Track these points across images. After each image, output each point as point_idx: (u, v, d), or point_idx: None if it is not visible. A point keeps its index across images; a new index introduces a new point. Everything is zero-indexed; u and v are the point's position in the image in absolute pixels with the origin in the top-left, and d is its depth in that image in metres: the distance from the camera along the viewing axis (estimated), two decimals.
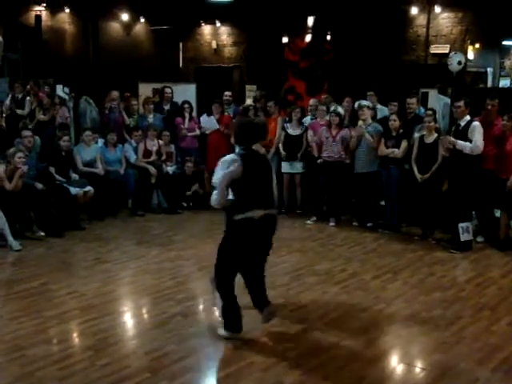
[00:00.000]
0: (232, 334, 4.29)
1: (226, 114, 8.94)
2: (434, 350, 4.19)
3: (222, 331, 4.33)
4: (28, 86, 9.85)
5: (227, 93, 9.27)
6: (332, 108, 8.04)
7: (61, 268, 5.94)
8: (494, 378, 3.83)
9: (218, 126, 8.72)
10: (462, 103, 6.59)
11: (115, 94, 9.07)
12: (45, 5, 13.53)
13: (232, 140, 4.65)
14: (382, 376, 3.86)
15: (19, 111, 9.24)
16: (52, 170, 7.56)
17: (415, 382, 3.84)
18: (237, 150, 4.49)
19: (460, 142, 6.51)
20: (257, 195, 4.17)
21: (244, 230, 4.14)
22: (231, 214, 4.18)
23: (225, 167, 4.11)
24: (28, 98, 9.37)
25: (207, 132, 8.86)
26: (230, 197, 4.22)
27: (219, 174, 4.13)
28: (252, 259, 4.35)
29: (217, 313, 4.55)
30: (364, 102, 7.95)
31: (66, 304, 4.95)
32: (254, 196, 4.15)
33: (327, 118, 7.97)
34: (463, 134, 6.57)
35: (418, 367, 4.00)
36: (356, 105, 8.09)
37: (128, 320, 4.86)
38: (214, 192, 4.19)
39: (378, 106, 8.25)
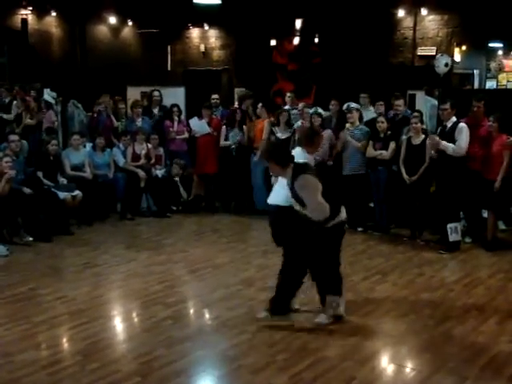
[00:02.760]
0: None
1: (213, 116, 8.95)
2: (424, 350, 4.22)
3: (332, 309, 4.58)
4: (14, 91, 9.80)
5: (214, 96, 9.30)
6: (312, 110, 8.07)
7: (49, 273, 5.90)
8: (482, 377, 3.86)
9: (209, 130, 8.73)
10: (447, 105, 6.64)
11: (105, 97, 9.10)
12: (31, 8, 13.45)
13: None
14: (372, 376, 3.87)
15: (6, 116, 9.18)
16: (40, 174, 7.51)
17: (405, 381, 3.87)
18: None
19: (443, 143, 6.57)
20: (335, 194, 4.50)
21: (338, 233, 4.51)
22: (321, 223, 4.35)
23: (314, 187, 4.29)
24: (15, 102, 9.32)
25: (197, 135, 8.85)
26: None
27: (313, 195, 4.27)
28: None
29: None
30: (353, 105, 7.98)
31: (54, 309, 4.92)
32: (336, 197, 4.49)
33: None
34: (450, 135, 6.62)
35: (408, 367, 4.03)
36: (345, 107, 8.11)
37: (117, 324, 4.84)
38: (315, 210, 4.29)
39: (370, 108, 8.24)
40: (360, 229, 7.59)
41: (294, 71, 11.93)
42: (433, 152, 6.79)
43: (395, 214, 7.58)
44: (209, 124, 8.78)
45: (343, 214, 4.51)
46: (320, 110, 8.08)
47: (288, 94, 9.16)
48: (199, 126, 8.81)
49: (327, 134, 7.74)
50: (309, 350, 4.17)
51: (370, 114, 8.07)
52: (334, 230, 4.45)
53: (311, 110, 8.11)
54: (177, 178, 8.64)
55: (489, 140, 6.74)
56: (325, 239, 4.45)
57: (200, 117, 8.86)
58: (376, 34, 10.81)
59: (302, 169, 4.38)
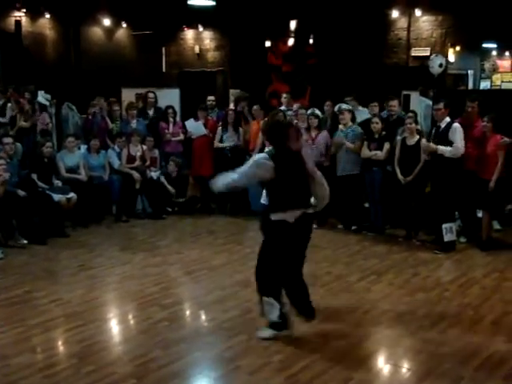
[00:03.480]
0: (276, 333, 4.32)
1: (209, 118, 8.95)
2: (419, 350, 4.23)
3: (265, 332, 4.34)
4: (8, 93, 9.77)
5: (210, 97, 9.30)
6: (310, 111, 8.09)
7: (44, 276, 5.88)
8: (478, 377, 3.87)
9: (205, 131, 8.73)
10: (441, 105, 6.67)
11: (99, 100, 9.09)
12: (25, 10, 13.40)
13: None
14: (368, 377, 3.88)
15: (0, 118, 9.14)
16: (34, 176, 7.49)
17: (401, 382, 3.88)
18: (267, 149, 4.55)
19: (441, 148, 6.58)
20: (292, 195, 4.22)
21: (280, 231, 4.23)
22: (267, 214, 4.26)
23: (255, 166, 4.17)
24: (9, 104, 9.29)
25: (193, 137, 8.85)
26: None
27: (245, 166, 4.21)
28: (288, 260, 4.34)
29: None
30: (344, 106, 8.01)
31: (50, 312, 4.91)
32: (289, 196, 4.21)
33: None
34: (443, 135, 6.64)
35: (404, 367, 4.04)
36: (336, 108, 8.14)
37: (113, 326, 4.83)
38: (232, 176, 4.24)
39: (360, 108, 8.29)
40: (354, 227, 7.60)
41: (289, 72, 11.93)
42: (426, 156, 6.82)
43: (390, 214, 7.59)
44: (205, 125, 8.78)
45: (291, 216, 4.16)
46: (317, 112, 8.11)
47: (284, 95, 9.18)
48: (195, 127, 8.81)
49: (323, 135, 7.77)
50: (305, 351, 4.17)
51: (363, 114, 8.11)
52: (277, 227, 4.22)
53: (309, 111, 8.13)
54: (163, 179, 8.57)
55: (483, 140, 6.76)
56: (269, 232, 4.31)
57: (196, 118, 8.86)
58: (370, 35, 10.82)
59: (268, 151, 4.29)
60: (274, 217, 4.23)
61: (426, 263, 6.32)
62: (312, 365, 3.98)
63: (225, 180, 4.33)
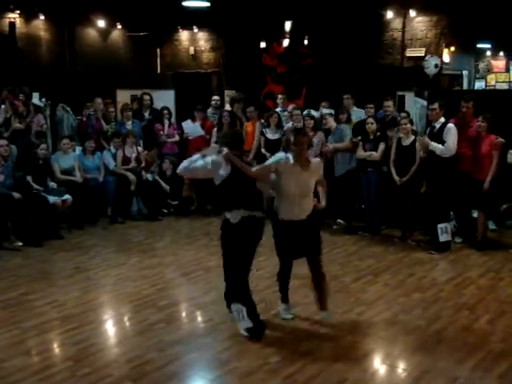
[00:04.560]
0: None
1: (212, 119, 8.95)
2: (415, 351, 4.24)
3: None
4: (3, 95, 9.74)
5: (215, 97, 9.35)
6: (305, 112, 8.11)
7: (40, 278, 5.86)
8: (473, 377, 3.89)
9: (202, 132, 8.73)
10: (436, 105, 6.68)
11: (98, 100, 9.08)
12: (19, 12, 13.36)
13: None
14: (364, 377, 3.88)
15: None
16: (29, 178, 7.47)
17: (397, 382, 3.88)
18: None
19: (433, 144, 6.61)
20: (238, 196, 4.41)
21: (224, 231, 4.53)
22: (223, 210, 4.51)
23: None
24: (3, 106, 9.25)
25: (190, 137, 8.85)
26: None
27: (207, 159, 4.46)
28: (236, 261, 4.52)
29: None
30: (325, 111, 8.05)
31: (45, 314, 4.89)
32: (235, 197, 4.41)
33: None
34: (438, 135, 6.65)
35: (400, 368, 4.04)
36: (318, 114, 8.18)
37: (109, 328, 4.82)
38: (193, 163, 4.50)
39: (354, 109, 8.31)
40: (339, 220, 7.60)
41: (284, 73, 11.94)
42: (422, 153, 6.83)
43: (386, 214, 7.60)
44: (202, 126, 8.78)
45: (234, 217, 4.42)
46: (313, 113, 8.11)
47: (280, 96, 9.19)
48: (192, 128, 8.81)
49: (319, 136, 7.78)
50: (301, 352, 4.17)
51: (357, 113, 8.11)
52: (223, 224, 4.53)
53: (304, 112, 8.14)
54: (157, 177, 8.56)
55: (478, 140, 6.77)
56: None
57: (193, 119, 8.87)
58: (365, 36, 10.84)
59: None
60: (224, 215, 4.48)
61: (421, 263, 6.33)
62: (308, 366, 3.98)
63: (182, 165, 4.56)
